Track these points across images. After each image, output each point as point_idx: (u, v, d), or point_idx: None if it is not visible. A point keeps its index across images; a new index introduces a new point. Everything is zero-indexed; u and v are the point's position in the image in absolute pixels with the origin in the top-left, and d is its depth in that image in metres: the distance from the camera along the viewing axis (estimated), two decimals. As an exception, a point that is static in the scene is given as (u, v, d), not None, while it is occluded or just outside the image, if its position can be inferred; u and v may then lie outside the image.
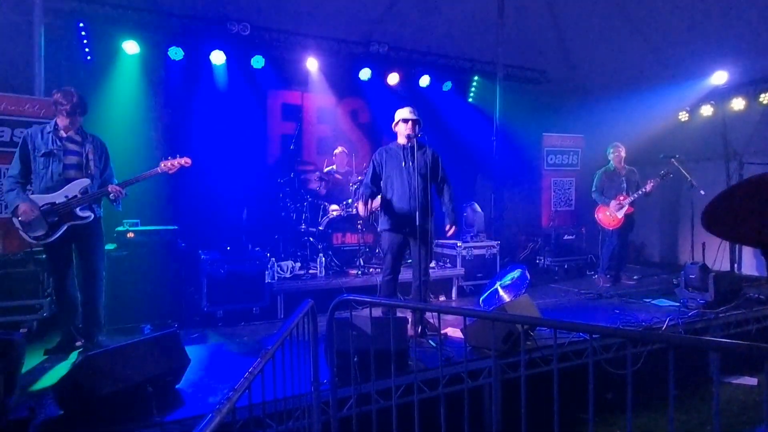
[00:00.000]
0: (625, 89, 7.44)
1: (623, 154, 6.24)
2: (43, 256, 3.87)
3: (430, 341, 3.86)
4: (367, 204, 4.04)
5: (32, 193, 3.48)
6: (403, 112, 4.12)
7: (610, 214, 6.08)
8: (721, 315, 4.55)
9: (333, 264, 5.51)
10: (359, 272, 5.40)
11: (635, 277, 6.60)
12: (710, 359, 4.48)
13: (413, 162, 3.99)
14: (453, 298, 5.78)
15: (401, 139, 4.15)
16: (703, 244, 5.91)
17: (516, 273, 4.73)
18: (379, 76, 7.15)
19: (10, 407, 2.42)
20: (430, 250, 4.14)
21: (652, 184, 5.89)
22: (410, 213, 3.92)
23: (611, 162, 6.28)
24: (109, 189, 3.57)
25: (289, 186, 5.98)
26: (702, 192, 5.98)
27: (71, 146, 3.54)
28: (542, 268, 7.23)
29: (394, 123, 4.20)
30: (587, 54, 7.51)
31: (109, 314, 3.91)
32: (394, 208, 4.01)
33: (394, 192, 4.03)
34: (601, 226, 6.25)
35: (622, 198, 6.01)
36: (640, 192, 5.95)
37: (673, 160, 5.99)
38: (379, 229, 4.21)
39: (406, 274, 4.40)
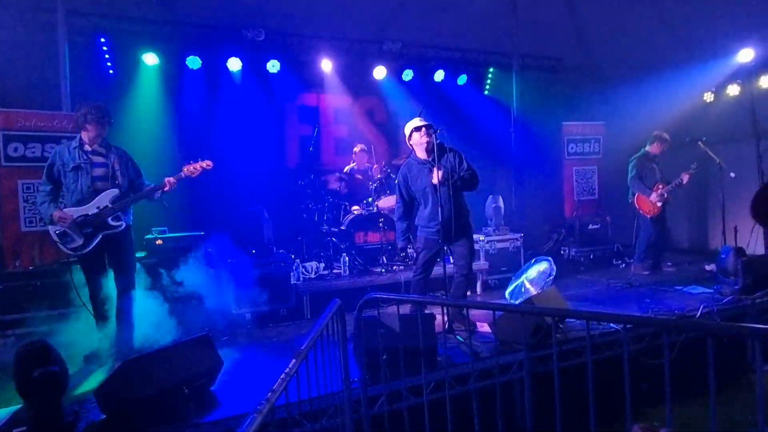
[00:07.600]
0: (645, 73, 7.25)
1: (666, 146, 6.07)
2: (78, 267, 4.00)
3: (457, 336, 3.86)
4: (407, 241, 4.22)
5: (65, 207, 3.58)
6: (413, 122, 3.99)
7: (652, 203, 5.96)
8: (758, 301, 4.41)
9: (357, 263, 5.54)
10: (383, 270, 5.42)
11: (669, 264, 6.37)
12: (749, 346, 4.34)
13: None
14: (478, 293, 5.74)
15: (420, 153, 4.00)
16: (735, 228, 5.73)
17: (542, 265, 4.67)
18: (394, 73, 7.13)
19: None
20: (470, 246, 4.09)
21: (687, 176, 5.79)
22: (443, 225, 3.81)
23: (648, 149, 6.09)
24: (166, 181, 3.69)
25: (309, 187, 6.03)
26: (732, 174, 5.81)
27: (97, 159, 3.65)
28: (567, 259, 7.11)
29: (407, 137, 4.06)
30: (604, 39, 7.33)
31: (140, 320, 4.01)
32: (428, 222, 4.02)
33: (427, 210, 4.01)
34: (641, 212, 6.03)
35: (661, 187, 5.90)
36: (675, 183, 5.86)
37: (699, 143, 5.83)
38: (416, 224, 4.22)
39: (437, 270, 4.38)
